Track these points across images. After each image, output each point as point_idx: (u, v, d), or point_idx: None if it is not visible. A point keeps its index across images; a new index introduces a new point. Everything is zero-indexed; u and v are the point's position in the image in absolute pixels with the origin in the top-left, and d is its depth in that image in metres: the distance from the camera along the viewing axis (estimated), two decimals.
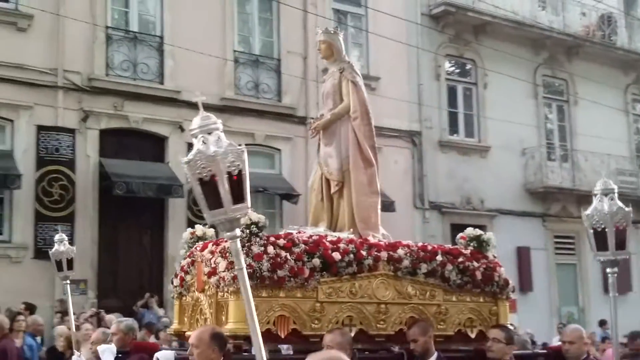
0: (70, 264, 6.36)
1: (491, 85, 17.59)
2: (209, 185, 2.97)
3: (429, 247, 6.02)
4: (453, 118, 17.37)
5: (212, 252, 5.33)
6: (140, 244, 13.19)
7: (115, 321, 6.64)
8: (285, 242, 5.32)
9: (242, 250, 4.91)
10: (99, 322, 9.16)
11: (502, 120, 16.90)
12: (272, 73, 14.80)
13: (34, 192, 11.76)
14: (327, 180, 6.41)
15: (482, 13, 17.02)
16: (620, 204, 4.34)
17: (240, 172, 3.04)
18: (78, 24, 12.16)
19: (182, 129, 13.13)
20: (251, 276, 4.88)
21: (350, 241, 5.66)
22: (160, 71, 13.36)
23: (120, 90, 12.86)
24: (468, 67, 17.91)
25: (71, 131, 12.32)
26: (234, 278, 4.87)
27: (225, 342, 4.11)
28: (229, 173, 2.99)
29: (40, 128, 12.09)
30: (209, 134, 3.03)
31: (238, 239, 2.99)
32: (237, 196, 3.04)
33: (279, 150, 14.67)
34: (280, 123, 14.58)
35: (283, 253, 5.21)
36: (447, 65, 17.67)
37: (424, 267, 5.79)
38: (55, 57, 12.23)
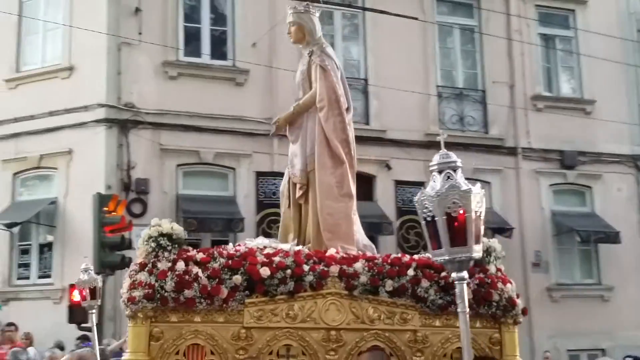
0: (93, 293, 6.02)
1: None
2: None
3: (404, 260, 4.87)
4: None
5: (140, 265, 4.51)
6: None
7: None
8: (203, 256, 4.50)
9: (147, 267, 4.43)
10: None
11: None
12: (477, 105, 14.54)
13: (254, 235, 12.54)
14: (294, 185, 5.49)
15: None
16: (461, 182, 3.00)
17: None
18: (289, 73, 12.88)
19: (388, 167, 13.31)
20: (151, 297, 4.28)
21: (297, 253, 4.69)
22: (365, 112, 13.71)
23: None
24: None
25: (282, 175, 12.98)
26: (130, 300, 4.28)
27: None
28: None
29: (259, 174, 12.92)
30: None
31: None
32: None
33: (488, 183, 14.25)
34: (488, 155, 14.21)
35: (195, 270, 4.39)
36: None
37: (388, 284, 4.64)
38: (270, 108, 13.04)
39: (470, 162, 13.97)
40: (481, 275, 4.83)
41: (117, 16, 12.47)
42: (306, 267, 4.57)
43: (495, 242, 5.06)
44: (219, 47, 13.25)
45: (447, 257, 2.94)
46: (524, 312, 4.95)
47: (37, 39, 13.19)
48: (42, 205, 12.38)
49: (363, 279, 4.61)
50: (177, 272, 4.35)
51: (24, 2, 13.26)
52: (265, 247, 4.79)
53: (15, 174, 12.79)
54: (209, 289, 4.35)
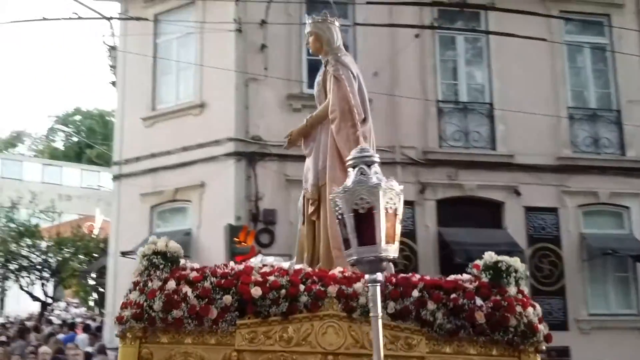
0: None
1: None
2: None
3: (412, 279, 4.47)
4: None
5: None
6: None
7: None
8: (196, 275, 4.31)
9: (138, 285, 4.31)
10: None
11: None
12: (611, 126, 13.80)
13: None
14: (308, 200, 5.26)
15: None
16: (374, 178, 2.74)
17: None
18: (411, 101, 12.85)
19: (517, 193, 12.86)
20: (139, 317, 4.17)
21: (296, 272, 4.41)
22: (491, 137, 13.37)
23: (454, 160, 13.14)
24: None
25: (410, 203, 12.88)
26: (118, 319, 4.18)
27: None
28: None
29: None
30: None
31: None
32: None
33: (627, 208, 13.42)
34: (625, 178, 13.38)
35: (185, 289, 4.23)
36: None
37: (390, 306, 4.26)
38: (393, 136, 13.01)
39: (607, 186, 13.26)
40: (498, 297, 4.39)
41: (244, 53, 12.96)
42: (302, 287, 4.29)
43: (517, 261, 4.59)
44: None
45: (355, 257, 2.74)
46: (548, 339, 4.45)
47: (171, 79, 13.96)
48: (177, 236, 12.87)
49: (363, 300, 4.22)
50: (166, 292, 4.22)
51: (159, 44, 14.09)
52: (264, 266, 4.56)
53: (152, 207, 13.51)
54: (198, 309, 4.18)
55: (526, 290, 4.61)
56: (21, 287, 25.08)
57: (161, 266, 4.39)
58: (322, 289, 4.31)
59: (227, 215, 12.15)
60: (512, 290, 4.47)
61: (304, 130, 5.54)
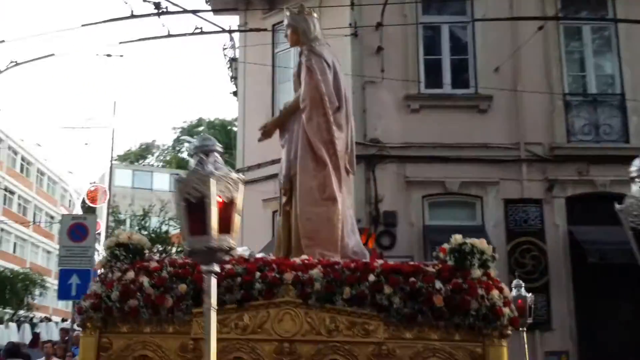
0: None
1: None
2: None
3: (373, 265, 4.29)
4: None
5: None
6: (618, 315, 12.27)
7: None
8: (155, 265, 4.33)
9: (99, 276, 4.36)
10: None
11: None
12: None
13: (506, 265, 12.07)
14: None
15: None
16: (211, 167, 2.66)
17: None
18: (535, 96, 12.38)
19: None
20: (97, 307, 4.22)
21: (257, 260, 4.38)
22: (624, 129, 12.63)
23: (584, 155, 12.51)
24: None
25: (537, 202, 12.40)
26: (78, 310, 4.20)
27: None
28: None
29: (507, 202, 12.46)
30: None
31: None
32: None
33: None
34: None
35: (142, 279, 4.25)
36: None
37: (346, 292, 4.13)
38: (516, 132, 12.59)
39: None
40: (459, 280, 4.17)
41: (361, 57, 12.98)
42: (257, 275, 4.25)
43: (482, 243, 4.36)
44: (460, 76, 13.14)
45: (188, 248, 2.66)
46: (514, 323, 4.19)
47: (289, 86, 14.12)
48: None
49: (317, 286, 4.18)
50: (123, 282, 4.27)
51: (277, 54, 14.40)
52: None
53: (274, 212, 13.78)
54: (153, 298, 4.20)
55: (494, 273, 4.38)
56: None
57: (122, 258, 4.47)
58: (278, 276, 4.26)
59: None
60: (476, 273, 4.25)
61: (279, 121, 5.52)
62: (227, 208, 2.70)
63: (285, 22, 5.63)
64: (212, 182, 2.64)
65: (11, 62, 11.92)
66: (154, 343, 4.22)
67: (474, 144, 12.55)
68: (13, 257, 45.22)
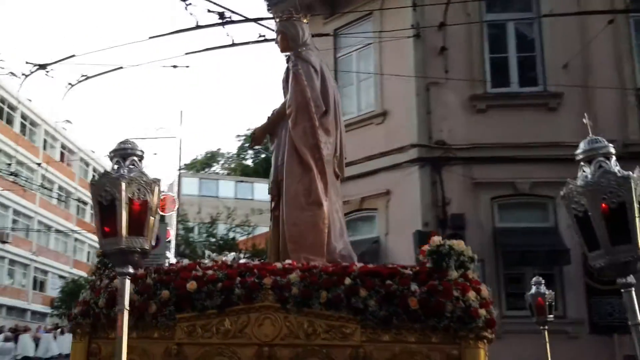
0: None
1: None
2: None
3: (351, 269, 4.32)
4: None
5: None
6: None
7: None
8: (141, 272, 4.40)
9: (88, 284, 4.42)
10: None
11: None
12: None
13: (582, 267, 11.68)
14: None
15: None
16: (132, 170, 2.74)
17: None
18: (607, 92, 11.97)
19: None
20: (86, 314, 4.35)
21: (239, 266, 4.44)
22: None
23: None
24: None
25: None
26: (68, 317, 4.17)
27: None
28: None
29: None
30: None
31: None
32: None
33: None
34: None
35: None
36: None
37: (323, 296, 4.16)
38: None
39: None
40: (436, 282, 4.16)
41: (424, 58, 12.84)
42: (237, 280, 4.30)
43: (460, 244, 4.36)
44: (527, 74, 12.83)
45: (102, 250, 2.74)
46: (491, 324, 4.10)
47: (352, 90, 14.20)
48: (366, 244, 13.08)
49: (295, 290, 4.22)
50: (109, 289, 4.36)
51: (339, 59, 14.40)
52: (214, 262, 4.63)
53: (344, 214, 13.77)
54: (137, 304, 4.25)
55: (474, 274, 4.33)
56: None
57: (110, 265, 4.54)
58: (257, 281, 4.32)
59: (414, 222, 12.05)
60: (453, 274, 4.25)
61: (267, 128, 5.56)
62: (141, 210, 2.69)
63: (275, 28, 5.71)
64: (123, 185, 2.65)
65: (82, 75, 12.27)
66: (139, 348, 4.32)
67: (544, 142, 12.22)
68: (86, 266, 46.71)
